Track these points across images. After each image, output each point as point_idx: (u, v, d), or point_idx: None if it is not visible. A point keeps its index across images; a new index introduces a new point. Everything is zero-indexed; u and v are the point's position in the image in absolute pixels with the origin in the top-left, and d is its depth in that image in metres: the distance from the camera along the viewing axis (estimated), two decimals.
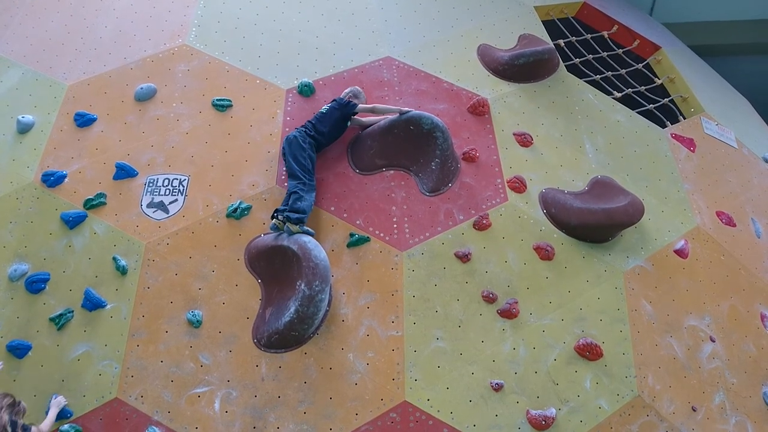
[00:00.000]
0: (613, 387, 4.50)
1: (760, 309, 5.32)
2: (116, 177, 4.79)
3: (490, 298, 4.59)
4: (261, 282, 4.50)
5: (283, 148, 4.71)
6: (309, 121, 4.88)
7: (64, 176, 4.78)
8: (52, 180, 4.75)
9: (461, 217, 4.82)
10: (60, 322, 4.36)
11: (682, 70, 6.95)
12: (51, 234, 4.61)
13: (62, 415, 4.13)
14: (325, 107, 4.97)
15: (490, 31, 6.11)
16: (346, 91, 5.13)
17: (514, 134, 5.36)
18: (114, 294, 4.44)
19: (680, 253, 5.21)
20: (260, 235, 4.59)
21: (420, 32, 5.89)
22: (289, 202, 4.47)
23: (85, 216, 4.65)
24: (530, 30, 6.25)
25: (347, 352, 4.33)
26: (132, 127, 5.03)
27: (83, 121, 5.03)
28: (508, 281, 4.68)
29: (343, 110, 4.93)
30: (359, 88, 5.19)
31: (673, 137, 6.04)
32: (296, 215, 4.39)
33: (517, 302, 4.62)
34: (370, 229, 4.67)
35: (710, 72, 8.04)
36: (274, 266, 4.44)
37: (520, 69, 5.71)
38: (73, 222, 4.62)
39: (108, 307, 4.41)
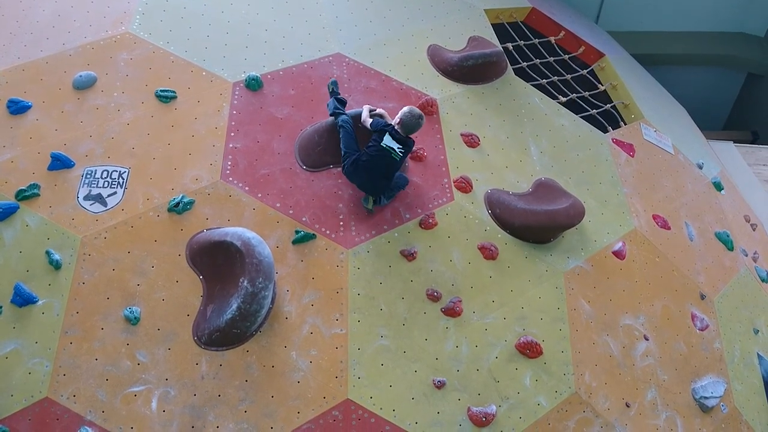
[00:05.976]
0: (551, 384, 4.61)
1: (691, 309, 5.55)
2: (51, 167, 4.59)
3: (434, 297, 4.63)
4: (203, 278, 4.40)
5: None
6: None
7: None
8: None
9: (408, 216, 4.84)
10: None
11: (624, 77, 7.18)
12: None
13: None
14: (399, 150, 4.67)
15: (441, 32, 6.16)
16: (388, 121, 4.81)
17: (461, 135, 5.42)
18: (46, 289, 4.25)
19: (618, 254, 5.38)
20: (203, 231, 4.49)
21: (371, 30, 5.88)
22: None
23: (17, 207, 4.43)
24: (480, 32, 6.33)
25: (290, 350, 4.28)
26: (70, 116, 4.83)
27: (17, 108, 4.80)
28: (453, 280, 4.73)
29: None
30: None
31: (613, 142, 6.23)
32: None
33: (460, 301, 4.67)
34: (316, 226, 4.63)
35: (651, 80, 8.34)
36: (216, 262, 4.35)
37: (468, 70, 5.78)
38: (3, 213, 4.40)
39: (39, 302, 4.22)
